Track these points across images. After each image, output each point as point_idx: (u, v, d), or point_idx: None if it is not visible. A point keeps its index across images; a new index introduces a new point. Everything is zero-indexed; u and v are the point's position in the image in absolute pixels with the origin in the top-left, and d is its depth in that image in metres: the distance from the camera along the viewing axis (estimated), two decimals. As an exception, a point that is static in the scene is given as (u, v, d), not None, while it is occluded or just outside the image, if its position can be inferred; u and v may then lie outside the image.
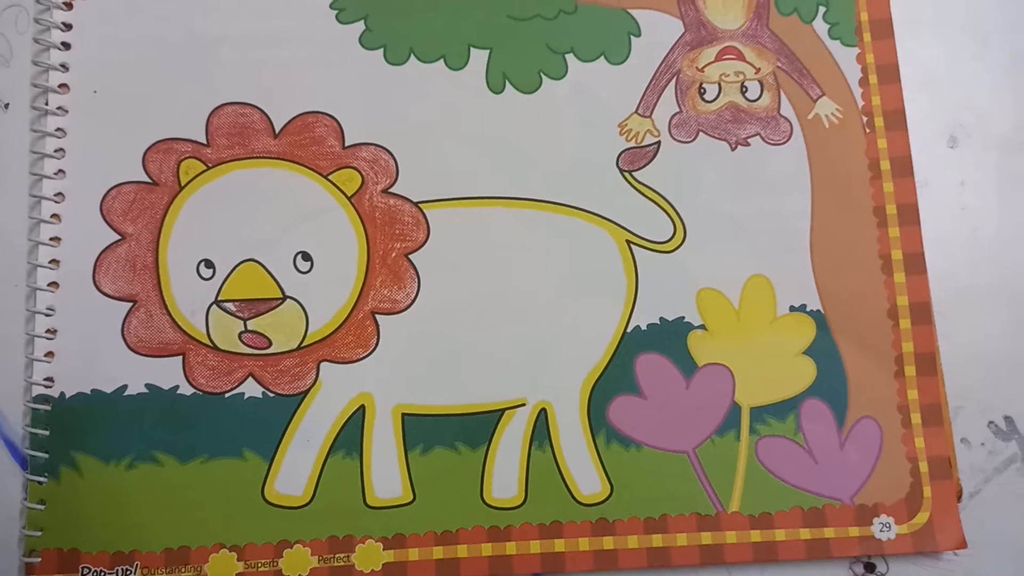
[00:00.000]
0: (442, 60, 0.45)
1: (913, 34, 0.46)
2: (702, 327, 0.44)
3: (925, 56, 0.46)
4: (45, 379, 0.42)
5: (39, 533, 0.41)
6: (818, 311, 0.44)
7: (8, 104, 0.44)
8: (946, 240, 0.45)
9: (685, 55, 0.46)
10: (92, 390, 0.42)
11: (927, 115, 0.46)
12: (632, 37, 0.46)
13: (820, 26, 0.46)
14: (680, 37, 0.46)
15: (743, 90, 0.46)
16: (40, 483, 0.41)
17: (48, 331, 0.42)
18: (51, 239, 0.43)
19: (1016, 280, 0.45)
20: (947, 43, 0.46)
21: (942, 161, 0.45)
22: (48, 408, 0.42)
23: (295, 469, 0.42)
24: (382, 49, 0.45)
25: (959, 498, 0.43)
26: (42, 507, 0.41)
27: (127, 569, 0.41)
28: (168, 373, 0.42)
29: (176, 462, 0.41)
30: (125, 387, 0.42)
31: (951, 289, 0.44)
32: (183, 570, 0.41)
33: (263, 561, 0.41)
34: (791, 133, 0.45)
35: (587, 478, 0.42)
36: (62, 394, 0.42)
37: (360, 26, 0.45)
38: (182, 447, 0.41)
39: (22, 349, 0.42)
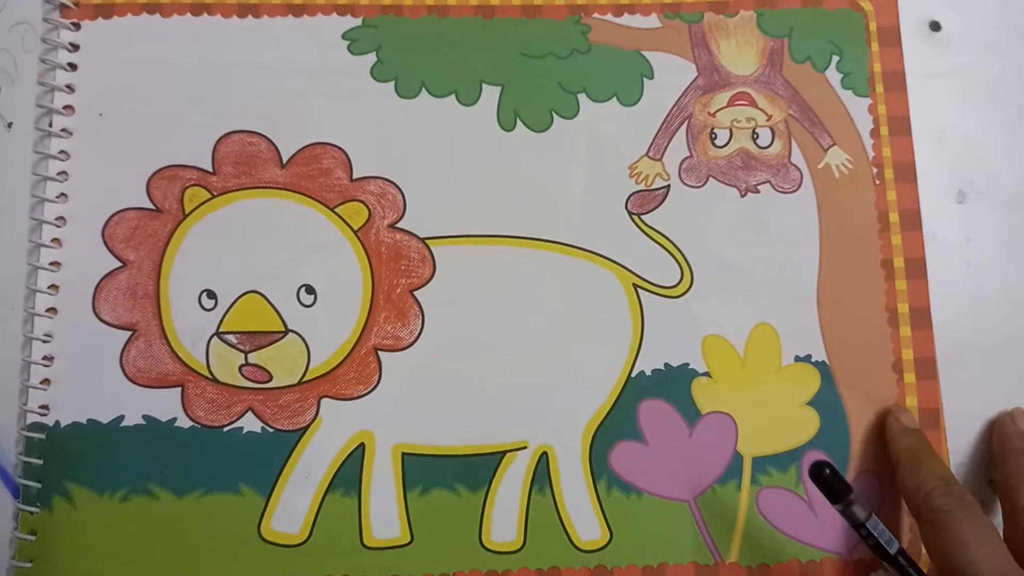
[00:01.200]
0: (453, 95, 0.46)
1: (926, 89, 0.47)
2: (707, 374, 0.44)
3: (937, 111, 0.47)
4: (40, 407, 0.42)
5: (29, 564, 0.41)
6: (823, 362, 0.45)
7: (12, 124, 0.44)
8: (951, 296, 0.46)
9: (697, 99, 0.47)
10: (88, 419, 0.42)
11: (937, 169, 0.47)
12: (645, 79, 0.47)
13: (833, 75, 0.47)
14: (693, 81, 0.47)
15: (754, 136, 0.47)
16: (32, 513, 0.41)
17: (45, 358, 0.42)
18: (51, 264, 0.43)
19: (1020, 338, 0.46)
20: (959, 99, 0.47)
21: (950, 216, 0.47)
22: (43, 436, 0.42)
23: (292, 506, 0.42)
24: (393, 82, 0.46)
25: (956, 554, 0.44)
26: (33, 538, 0.41)
27: (117, 604, 0.41)
28: (166, 405, 0.42)
29: (172, 496, 0.42)
30: (122, 418, 0.42)
31: (954, 344, 0.45)
32: (176, 607, 0.41)
33: (257, 599, 0.41)
34: (801, 182, 0.46)
35: (587, 524, 0.43)
36: (57, 423, 0.42)
37: (372, 58, 0.46)
38: (178, 481, 0.42)
39: (17, 375, 0.43)
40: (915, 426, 0.43)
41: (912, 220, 0.46)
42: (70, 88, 0.45)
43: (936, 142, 0.47)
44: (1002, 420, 0.44)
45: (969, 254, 0.47)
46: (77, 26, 0.45)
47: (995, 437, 0.44)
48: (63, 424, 0.42)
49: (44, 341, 0.43)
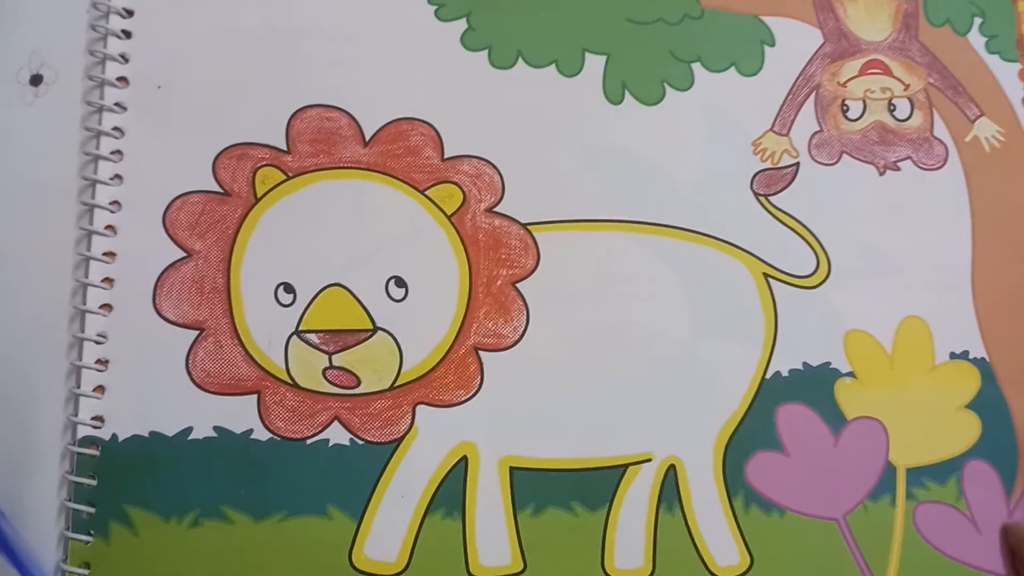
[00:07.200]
0: (554, 65, 0.46)
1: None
2: (851, 375, 0.44)
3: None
4: (94, 418, 0.41)
5: (82, 602, 0.39)
6: (983, 359, 0.45)
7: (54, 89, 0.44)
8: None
9: (825, 68, 0.47)
10: (150, 432, 0.41)
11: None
12: (765, 46, 0.47)
13: (976, 39, 0.48)
14: (819, 48, 0.47)
15: (891, 108, 0.47)
16: (85, 542, 0.40)
17: (99, 361, 0.41)
18: (105, 254, 0.42)
19: None
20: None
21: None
22: (96, 453, 0.41)
23: (388, 530, 0.41)
24: (487, 50, 0.46)
25: None
26: (87, 572, 0.40)
27: (184, 647, 0.39)
28: (240, 414, 0.41)
29: (249, 520, 0.41)
30: (190, 430, 0.41)
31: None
32: (257, 648, 0.40)
33: (347, 640, 0.40)
34: (946, 157, 0.47)
35: (724, 547, 0.42)
36: (114, 436, 0.41)
37: (462, 24, 0.46)
38: (256, 502, 0.41)
39: (63, 382, 0.41)
40: None
41: (1074, 198, 0.46)
42: (124, 58, 0.44)
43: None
44: None
45: None
46: (131, -11, 0.45)
47: None
48: (121, 438, 0.41)
49: (97, 342, 0.42)
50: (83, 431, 0.41)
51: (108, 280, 0.42)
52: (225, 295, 0.42)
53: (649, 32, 0.47)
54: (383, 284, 0.43)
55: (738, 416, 0.43)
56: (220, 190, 0.43)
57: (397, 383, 0.42)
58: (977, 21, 0.48)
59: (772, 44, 0.47)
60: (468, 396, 0.43)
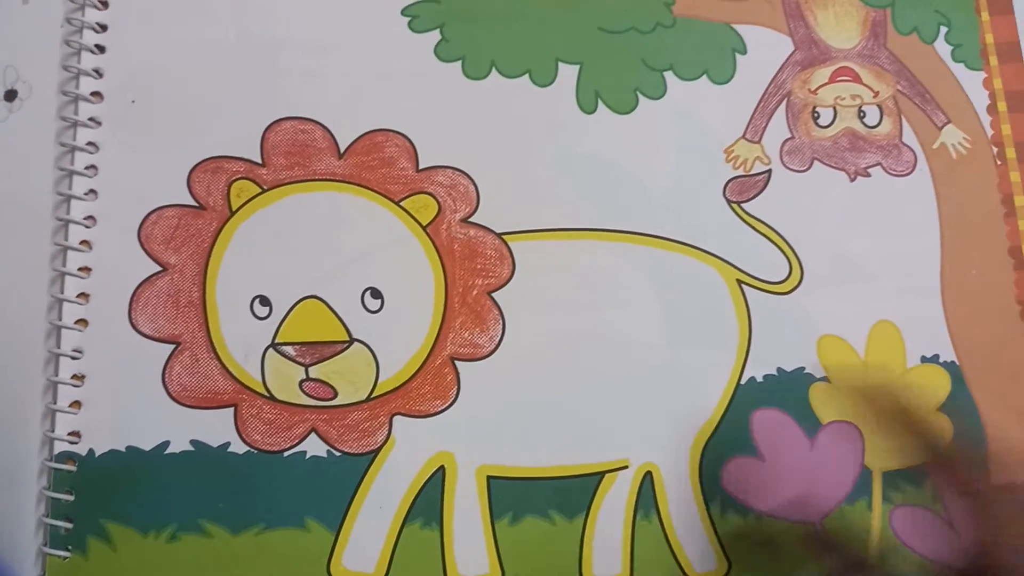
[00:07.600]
0: (527, 75, 0.47)
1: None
2: (825, 379, 0.44)
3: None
4: (70, 434, 0.41)
5: (60, 618, 0.39)
6: (953, 363, 0.45)
7: (27, 105, 0.44)
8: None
9: (796, 75, 0.48)
10: (127, 447, 0.41)
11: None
12: (737, 54, 0.48)
13: (942, 47, 0.49)
14: (790, 56, 0.48)
15: (861, 115, 0.47)
16: (63, 558, 0.40)
17: (75, 377, 0.42)
18: (80, 269, 0.43)
19: None
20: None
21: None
22: (73, 468, 0.41)
23: (366, 541, 0.41)
24: (460, 61, 0.46)
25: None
26: (64, 587, 0.40)
27: (163, 662, 0.40)
28: (217, 427, 0.42)
29: (227, 533, 0.41)
30: (166, 444, 0.41)
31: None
32: (237, 661, 0.40)
33: (326, 650, 0.41)
34: (915, 164, 0.47)
35: (701, 553, 0.43)
36: (91, 451, 0.41)
37: (435, 35, 0.47)
38: (234, 515, 0.41)
39: (39, 397, 0.41)
40: None
41: (1040, 203, 0.47)
42: (98, 73, 0.45)
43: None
44: None
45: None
46: (105, 4, 0.46)
47: None
48: (97, 453, 0.41)
49: (73, 357, 0.42)
50: (60, 446, 0.41)
51: (84, 295, 0.43)
52: (201, 309, 0.43)
53: (622, 41, 0.48)
54: (359, 295, 0.43)
55: (714, 422, 0.44)
56: (195, 204, 0.44)
57: (374, 394, 0.43)
58: (943, 30, 0.49)
59: (743, 52, 0.48)
60: (445, 406, 0.43)
